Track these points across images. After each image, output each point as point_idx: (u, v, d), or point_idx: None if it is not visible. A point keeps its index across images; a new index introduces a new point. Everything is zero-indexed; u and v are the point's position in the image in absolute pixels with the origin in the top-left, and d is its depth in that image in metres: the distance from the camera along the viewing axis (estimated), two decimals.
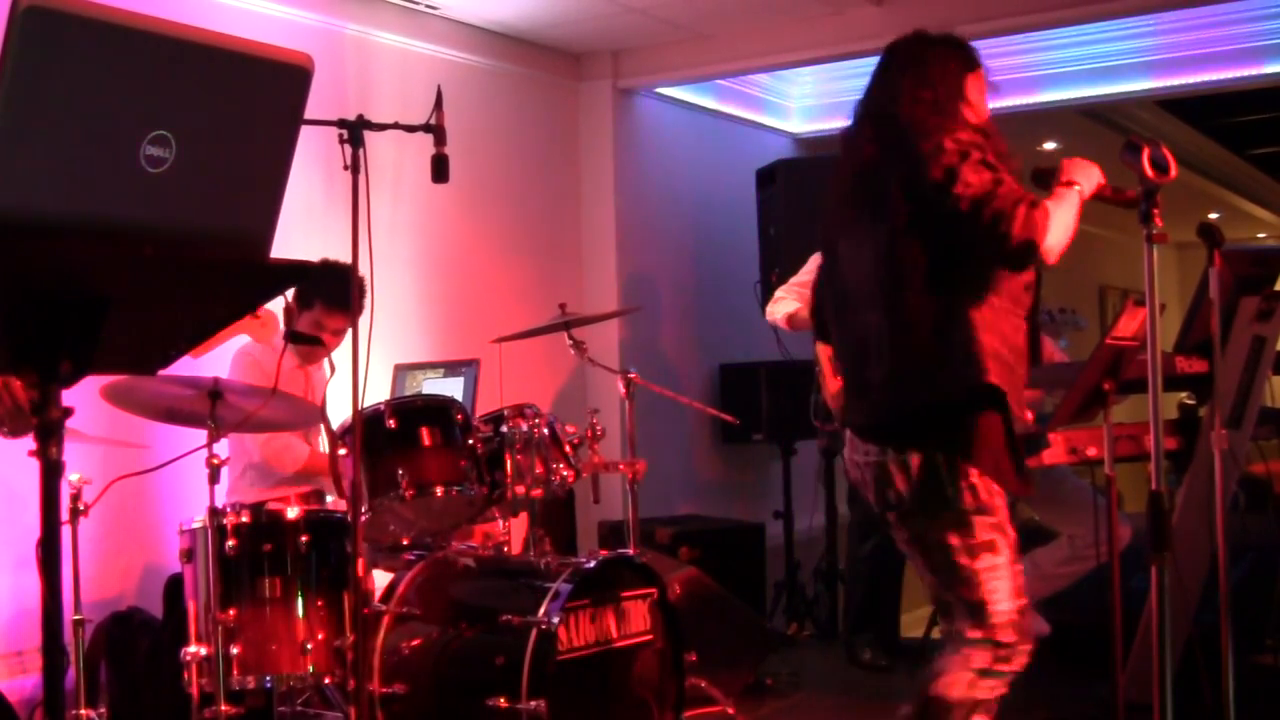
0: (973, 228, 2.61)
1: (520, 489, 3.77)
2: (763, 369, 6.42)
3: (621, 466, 4.21)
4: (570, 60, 6.30)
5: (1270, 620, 4.27)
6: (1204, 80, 6.35)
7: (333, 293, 4.02)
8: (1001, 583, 2.71)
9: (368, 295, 4.03)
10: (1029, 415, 3.03)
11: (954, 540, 2.72)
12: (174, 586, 3.95)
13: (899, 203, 2.71)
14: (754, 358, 6.52)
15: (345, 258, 3.14)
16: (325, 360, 4.23)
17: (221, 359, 4.03)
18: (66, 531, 3.32)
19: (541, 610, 3.37)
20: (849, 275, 2.88)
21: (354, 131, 3.12)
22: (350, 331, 3.13)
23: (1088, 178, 2.76)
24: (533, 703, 3.27)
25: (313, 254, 4.03)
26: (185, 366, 2.26)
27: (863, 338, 2.82)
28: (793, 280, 5.40)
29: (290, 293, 3.90)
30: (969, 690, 2.73)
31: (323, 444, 4.13)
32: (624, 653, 3.58)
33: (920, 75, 2.84)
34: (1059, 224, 2.63)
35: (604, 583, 3.55)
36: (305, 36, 4.85)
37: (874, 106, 2.92)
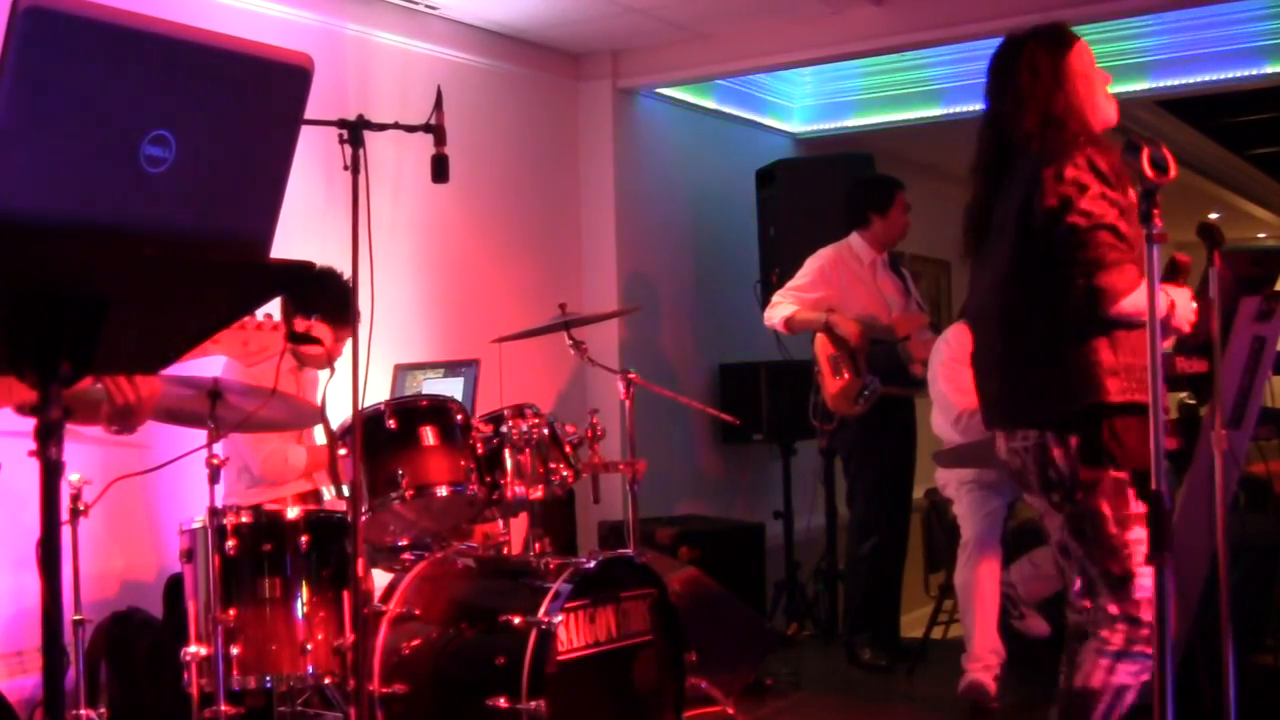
0: (1072, 255, 2.71)
1: (520, 489, 3.77)
2: (763, 369, 6.42)
3: (621, 466, 4.21)
4: (570, 60, 6.30)
5: (1270, 620, 4.27)
6: (1204, 80, 6.36)
7: (335, 308, 3.99)
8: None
9: (364, 303, 4.01)
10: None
11: (1106, 509, 2.76)
12: (174, 586, 3.95)
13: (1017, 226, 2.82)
14: (754, 358, 6.52)
15: (345, 257, 3.14)
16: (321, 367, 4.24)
17: (215, 364, 4.03)
18: (66, 531, 3.32)
19: (541, 610, 3.37)
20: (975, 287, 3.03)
21: (354, 131, 3.12)
22: (346, 342, 3.12)
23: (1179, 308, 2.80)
24: (533, 703, 3.27)
25: (313, 254, 4.03)
26: (185, 366, 2.26)
27: (989, 347, 2.96)
28: (790, 284, 5.41)
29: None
30: (1108, 676, 2.73)
31: (318, 435, 4.12)
32: (624, 653, 3.58)
33: (1023, 86, 2.89)
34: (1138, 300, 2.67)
35: (604, 583, 3.55)
36: (305, 36, 4.85)
37: (994, 118, 2.97)
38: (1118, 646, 2.75)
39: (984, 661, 4.47)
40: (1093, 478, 2.76)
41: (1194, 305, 2.84)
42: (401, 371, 5.00)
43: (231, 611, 3.29)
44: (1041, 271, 2.78)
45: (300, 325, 4.04)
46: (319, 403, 3.82)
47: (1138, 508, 2.74)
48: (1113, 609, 2.76)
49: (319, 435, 4.07)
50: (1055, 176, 2.72)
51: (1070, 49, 2.89)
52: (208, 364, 3.96)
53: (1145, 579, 2.73)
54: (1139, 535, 2.73)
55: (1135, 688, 2.76)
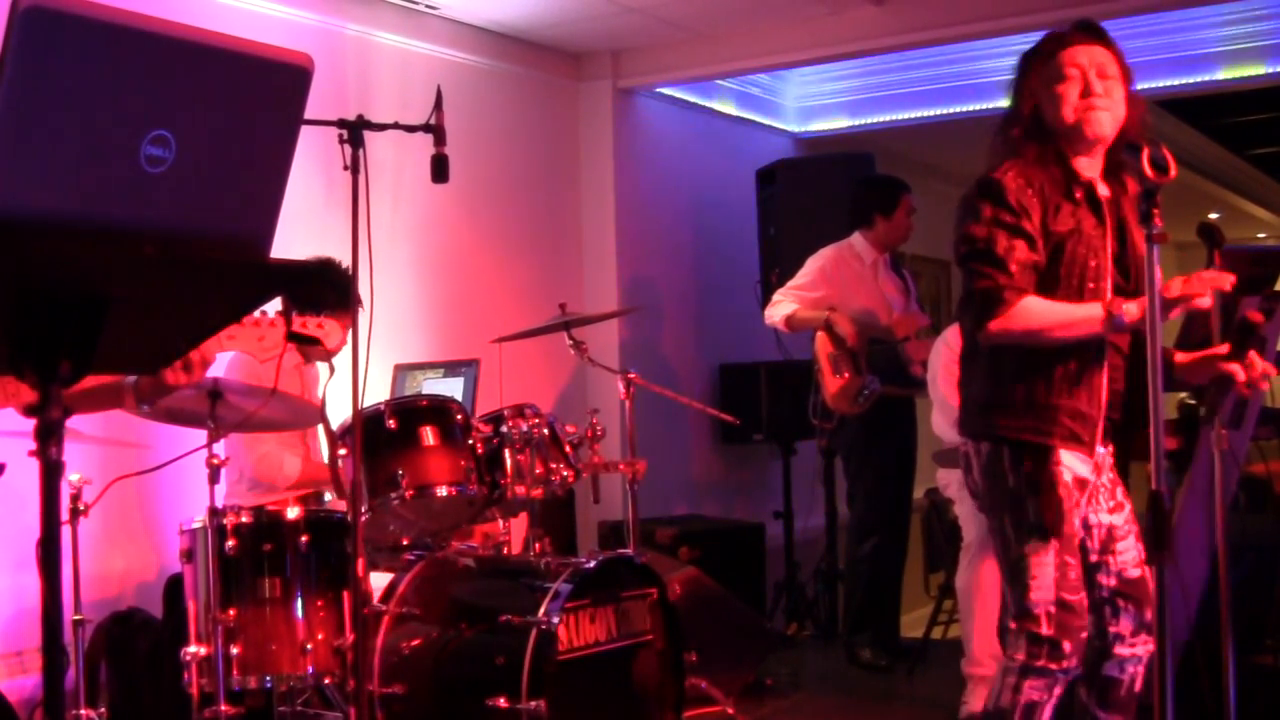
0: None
1: (520, 489, 3.77)
2: (763, 369, 6.42)
3: (621, 466, 4.21)
4: (570, 60, 6.30)
5: (1270, 620, 4.26)
6: (1204, 80, 6.35)
7: (338, 299, 4.01)
8: (1045, 571, 2.73)
9: (364, 303, 4.02)
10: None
11: (1006, 521, 2.78)
12: (174, 586, 3.95)
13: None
14: (754, 358, 6.52)
15: (345, 258, 3.14)
16: (325, 361, 4.23)
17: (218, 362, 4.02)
18: (66, 531, 3.32)
19: (541, 610, 3.37)
20: None
21: (354, 131, 3.12)
22: (350, 331, 3.13)
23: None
24: (533, 703, 3.27)
25: (313, 255, 4.04)
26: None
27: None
28: (790, 283, 5.41)
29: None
30: (1015, 695, 2.72)
31: (323, 445, 4.12)
32: (624, 653, 3.58)
33: (1009, 113, 2.87)
34: (1031, 321, 2.67)
35: (604, 583, 3.55)
36: (305, 36, 4.85)
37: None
38: (1020, 662, 2.73)
39: (983, 667, 4.46)
40: (995, 490, 2.79)
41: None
42: (401, 371, 5.00)
43: (231, 611, 3.29)
44: None
45: (308, 325, 4.04)
46: (321, 397, 3.83)
47: (1034, 518, 2.72)
48: (1012, 624, 2.75)
49: (324, 444, 4.07)
50: (964, 203, 2.76)
51: (1055, 54, 2.80)
52: (219, 359, 3.97)
53: (1042, 591, 2.71)
54: (1035, 548, 2.72)
55: (1050, 703, 2.74)
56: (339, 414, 3.78)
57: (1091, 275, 2.74)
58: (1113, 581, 2.83)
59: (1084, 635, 2.76)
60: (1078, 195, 2.75)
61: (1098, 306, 2.65)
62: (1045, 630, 2.71)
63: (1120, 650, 2.81)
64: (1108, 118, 2.73)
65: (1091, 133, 2.72)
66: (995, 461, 2.78)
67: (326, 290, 3.94)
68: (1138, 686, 2.83)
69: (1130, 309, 2.61)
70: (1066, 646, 2.71)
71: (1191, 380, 2.94)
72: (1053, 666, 2.71)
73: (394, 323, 5.09)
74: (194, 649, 3.28)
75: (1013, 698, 2.73)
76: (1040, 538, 2.72)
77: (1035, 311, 2.66)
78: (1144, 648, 2.82)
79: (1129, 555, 2.85)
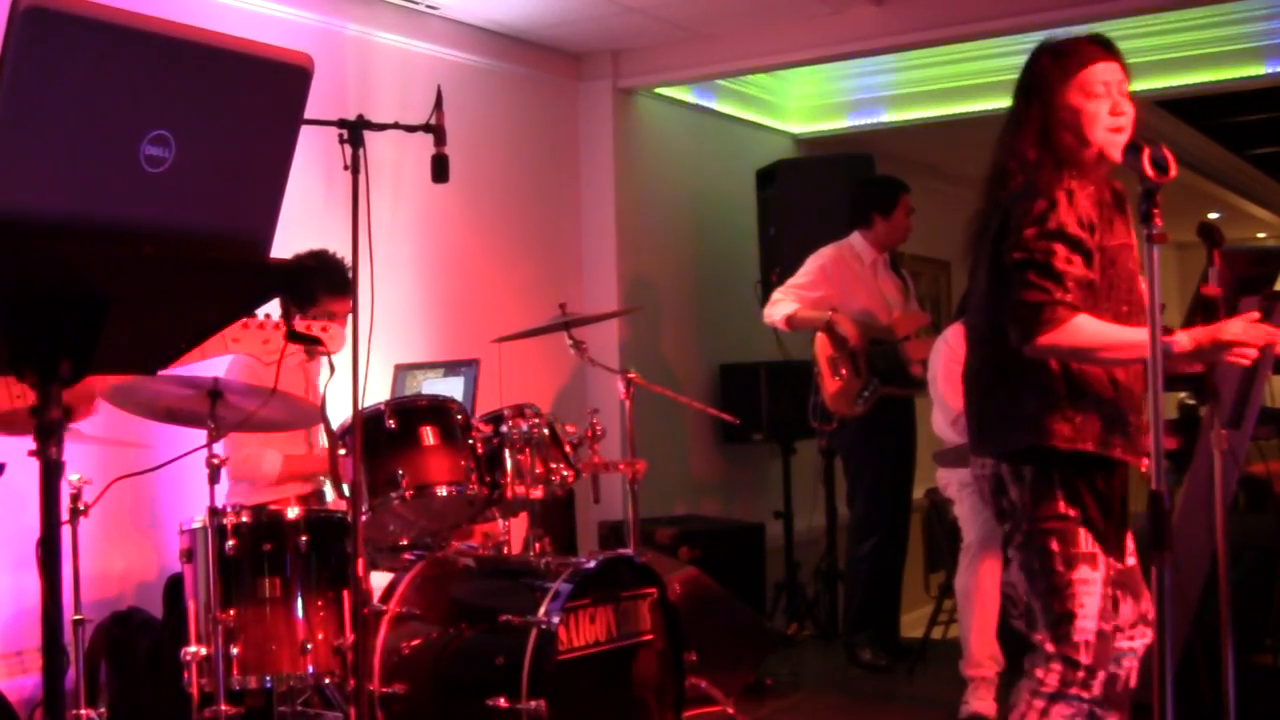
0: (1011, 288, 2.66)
1: (520, 489, 3.77)
2: (763, 369, 6.42)
3: (621, 466, 4.21)
4: (570, 60, 6.30)
5: (1270, 620, 4.27)
6: (1204, 80, 6.36)
7: (331, 282, 4.03)
8: (1093, 600, 2.68)
9: (364, 303, 4.04)
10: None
11: (1054, 545, 2.69)
12: (174, 586, 3.95)
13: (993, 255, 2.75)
14: (754, 358, 6.52)
15: (345, 258, 3.14)
16: (325, 357, 4.23)
17: (219, 360, 4.03)
18: (66, 531, 3.32)
19: (541, 610, 3.37)
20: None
21: (354, 131, 3.12)
22: (350, 330, 3.13)
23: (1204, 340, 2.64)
24: (533, 703, 3.27)
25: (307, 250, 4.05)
26: (207, 365, 2.26)
27: (969, 366, 2.93)
28: (790, 282, 5.41)
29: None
30: (1041, 719, 2.68)
31: (323, 440, 4.12)
32: (624, 653, 3.58)
33: (1021, 116, 2.80)
34: (1084, 339, 2.62)
35: (604, 583, 3.55)
36: (305, 36, 4.85)
37: (1002, 131, 2.87)
38: (1053, 688, 2.69)
39: (982, 669, 4.46)
40: (1044, 513, 2.70)
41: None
42: (401, 371, 5.00)
43: (231, 611, 3.29)
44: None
45: (312, 329, 4.05)
46: (323, 394, 3.83)
47: (1088, 547, 2.68)
48: (1049, 647, 2.70)
49: (324, 438, 4.07)
50: (1023, 211, 2.66)
51: (1083, 67, 2.75)
52: (221, 360, 3.98)
53: (1087, 620, 2.66)
54: (1085, 575, 2.67)
55: None
56: (339, 414, 3.78)
57: (1135, 286, 2.75)
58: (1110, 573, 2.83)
59: (1112, 667, 2.74)
60: (1128, 209, 2.75)
61: (1139, 333, 2.58)
62: (1085, 659, 2.67)
63: (1120, 644, 2.80)
64: (1124, 140, 2.69)
65: (1113, 155, 2.69)
66: (1046, 483, 2.69)
67: (318, 279, 3.97)
68: (1133, 682, 2.82)
69: (1181, 339, 2.60)
70: (1100, 676, 2.69)
71: (1187, 370, 2.93)
72: (1084, 695, 2.68)
73: (394, 323, 5.09)
74: (194, 649, 3.28)
75: None
76: (1091, 565, 2.67)
77: (1088, 331, 2.61)
78: (1141, 640, 2.82)
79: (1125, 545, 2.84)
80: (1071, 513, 2.68)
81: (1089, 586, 2.67)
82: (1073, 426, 2.67)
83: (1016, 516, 2.75)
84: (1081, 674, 2.67)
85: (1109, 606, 2.69)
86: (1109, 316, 2.67)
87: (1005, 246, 2.69)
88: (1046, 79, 2.79)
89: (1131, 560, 2.84)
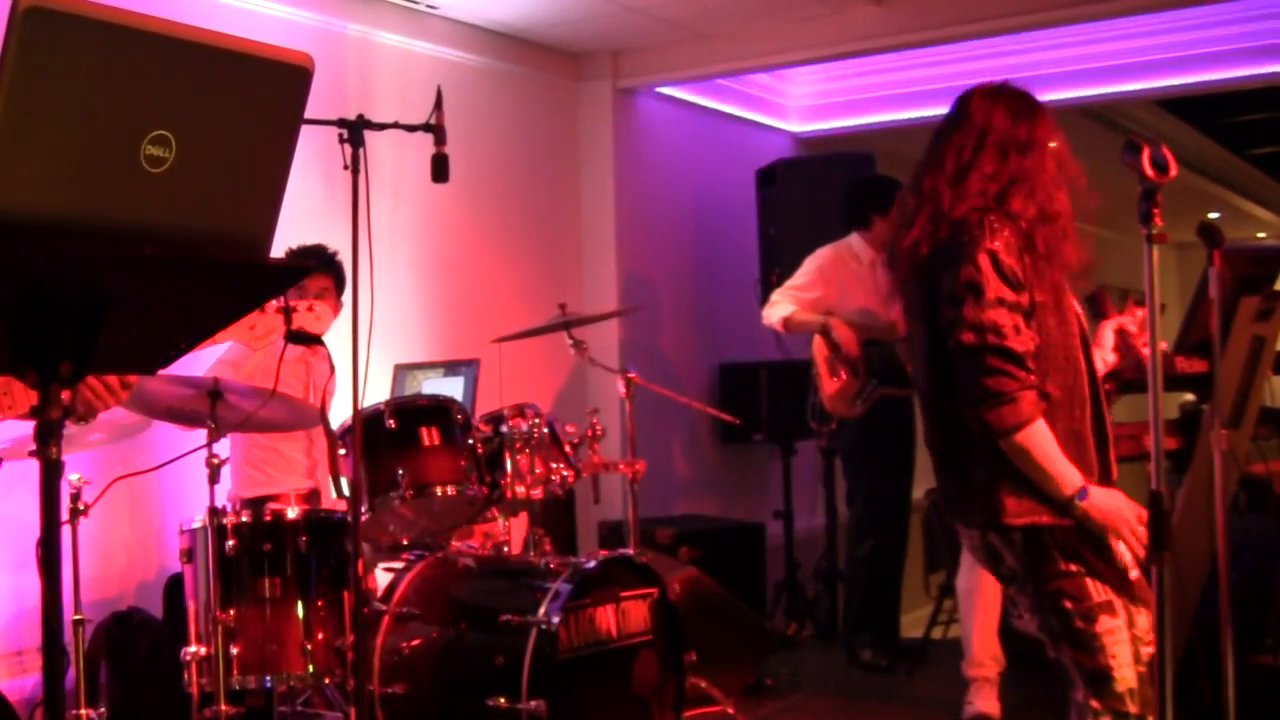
0: (967, 372, 2.53)
1: (520, 489, 3.77)
2: (763, 369, 6.42)
3: (621, 466, 4.21)
4: (570, 60, 6.30)
5: (1270, 620, 4.27)
6: (1204, 80, 6.36)
7: (333, 275, 4.09)
8: (1123, 648, 2.58)
9: (364, 303, 4.06)
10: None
11: (1067, 604, 2.59)
12: (174, 586, 3.95)
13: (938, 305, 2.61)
14: (754, 358, 6.52)
15: (345, 258, 3.14)
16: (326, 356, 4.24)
17: (214, 350, 4.02)
18: (66, 531, 3.32)
19: (541, 610, 3.37)
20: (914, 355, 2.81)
21: (354, 131, 3.12)
22: (350, 330, 3.12)
23: (1102, 507, 2.55)
24: (533, 703, 3.27)
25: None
26: (185, 366, 2.26)
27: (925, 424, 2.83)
28: (788, 284, 5.41)
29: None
30: None
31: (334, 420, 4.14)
32: (624, 653, 3.58)
33: (973, 156, 2.64)
34: (1039, 453, 2.51)
35: (604, 583, 3.55)
36: (305, 36, 4.85)
37: (923, 182, 2.70)
38: None
39: (984, 669, 4.45)
40: (1046, 573, 2.60)
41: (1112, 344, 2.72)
42: (401, 371, 5.00)
43: (231, 611, 3.29)
44: (952, 373, 2.60)
45: (299, 309, 4.04)
46: (324, 391, 3.83)
47: (1101, 596, 2.57)
48: (1095, 704, 2.59)
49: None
50: (953, 279, 2.54)
51: (1039, 116, 2.66)
52: (214, 349, 3.97)
53: (1124, 670, 2.56)
54: (1108, 625, 2.57)
55: None
56: (339, 414, 3.78)
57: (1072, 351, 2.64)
58: None
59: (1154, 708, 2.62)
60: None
61: (1078, 476, 2.53)
62: (1133, 709, 2.58)
63: (1143, 651, 2.76)
64: None
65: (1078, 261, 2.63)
66: (1038, 547, 2.59)
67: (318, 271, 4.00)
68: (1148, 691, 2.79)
69: (1097, 499, 2.53)
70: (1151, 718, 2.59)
71: (1188, 370, 2.92)
72: None
73: (394, 323, 5.09)
74: (194, 649, 3.29)
75: None
76: (1110, 613, 2.57)
77: (1041, 439, 2.52)
78: (1149, 649, 2.78)
79: (1126, 558, 2.74)
80: (1073, 568, 2.57)
81: (1115, 635, 2.57)
82: (1018, 499, 2.56)
83: (1020, 581, 2.66)
84: None
85: (1138, 649, 2.59)
86: (1055, 387, 2.56)
87: (945, 320, 2.56)
88: (1040, 127, 2.68)
89: (1135, 573, 2.80)
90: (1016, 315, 2.51)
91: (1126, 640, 2.58)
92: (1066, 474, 2.52)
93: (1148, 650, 2.71)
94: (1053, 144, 2.66)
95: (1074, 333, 2.62)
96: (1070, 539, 2.57)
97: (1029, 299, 2.54)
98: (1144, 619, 2.73)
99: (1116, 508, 2.54)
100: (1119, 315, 2.93)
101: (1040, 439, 2.50)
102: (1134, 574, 2.79)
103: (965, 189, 2.62)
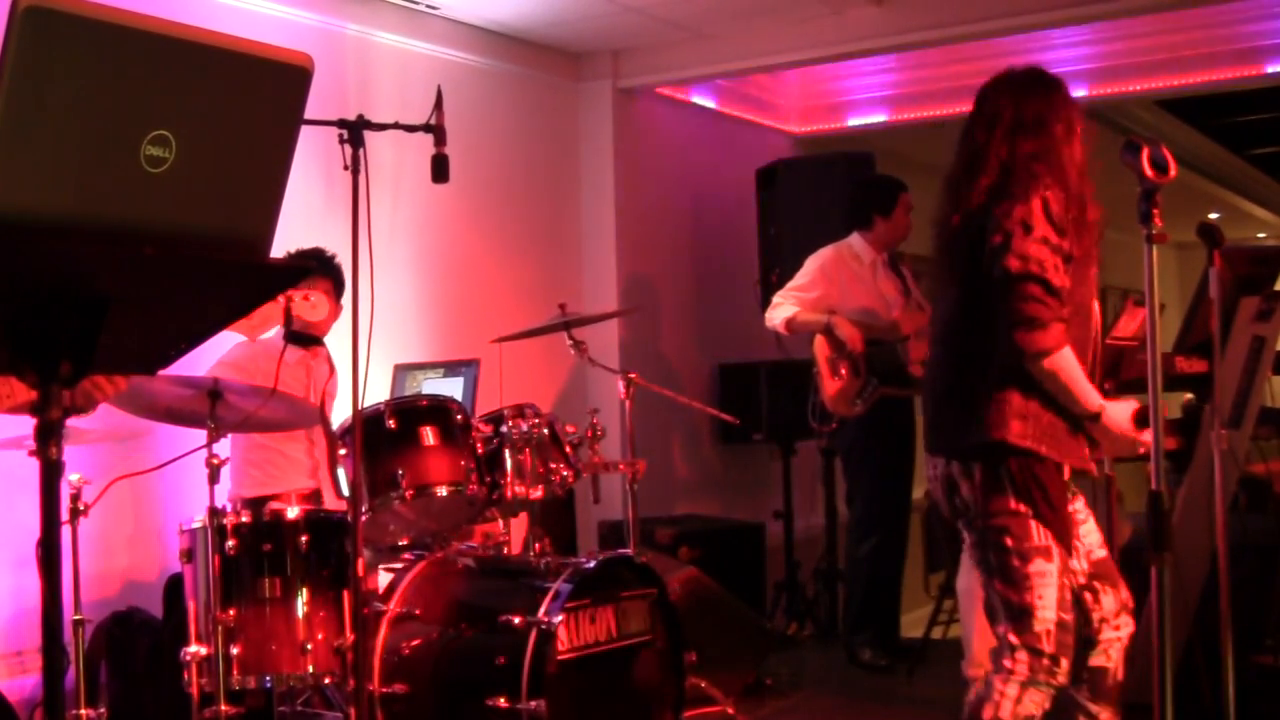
0: (1002, 299, 2.75)
1: (520, 489, 3.77)
2: (763, 369, 6.42)
3: (621, 466, 4.21)
4: (570, 60, 6.30)
5: (1270, 620, 4.26)
6: (1204, 80, 6.36)
7: (331, 275, 4.10)
8: (1050, 592, 2.78)
9: (364, 303, 4.06)
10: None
11: (1008, 541, 2.80)
12: (174, 586, 3.95)
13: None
14: (754, 358, 6.52)
15: (345, 258, 3.14)
16: (326, 357, 4.24)
17: (214, 351, 4.02)
18: (66, 531, 3.32)
19: (541, 610, 3.37)
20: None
21: (354, 131, 3.12)
22: (350, 329, 3.12)
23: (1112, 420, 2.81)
24: (533, 703, 3.27)
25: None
26: (185, 366, 2.26)
27: (930, 369, 3.07)
28: (790, 285, 5.41)
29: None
30: (1016, 707, 2.78)
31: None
32: (624, 653, 3.58)
33: (1012, 124, 2.90)
34: (1065, 376, 2.74)
35: (604, 583, 3.55)
36: (305, 36, 4.85)
37: (968, 157, 2.98)
38: (1023, 676, 2.79)
39: (984, 669, 4.45)
40: (996, 509, 2.80)
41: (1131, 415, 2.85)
42: (401, 371, 5.00)
43: (231, 611, 3.29)
44: (987, 307, 2.82)
45: (295, 299, 4.04)
46: (324, 390, 3.84)
47: (1041, 540, 2.78)
48: (1013, 638, 2.81)
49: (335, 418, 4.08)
50: (1005, 213, 2.77)
51: (1060, 92, 2.93)
52: (215, 348, 3.97)
53: (1046, 611, 2.77)
54: (1041, 568, 2.77)
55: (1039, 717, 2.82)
56: (339, 414, 3.78)
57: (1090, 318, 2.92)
58: (1086, 566, 2.90)
59: (1100, 659, 2.86)
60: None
61: (1097, 397, 2.79)
62: (1048, 648, 2.78)
63: (1106, 635, 2.88)
64: None
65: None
66: (994, 480, 2.80)
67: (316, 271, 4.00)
68: (1120, 675, 2.90)
69: (1115, 414, 2.78)
70: (1064, 663, 2.80)
71: (1188, 369, 3.06)
72: (1052, 681, 2.80)
73: (394, 323, 5.09)
74: (194, 649, 3.28)
75: (1014, 709, 2.78)
76: (1046, 557, 2.78)
77: (1069, 364, 2.75)
78: (1126, 630, 2.91)
79: (1092, 538, 2.93)
80: (1022, 508, 2.78)
81: (1046, 578, 2.78)
82: (1025, 425, 2.77)
83: (969, 514, 2.87)
84: (1046, 661, 2.78)
85: (1064, 596, 2.80)
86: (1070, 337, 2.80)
87: (989, 250, 2.78)
88: (1061, 104, 2.94)
89: (1102, 552, 2.89)
90: (1057, 257, 2.74)
91: (1055, 586, 2.79)
92: (1090, 394, 2.78)
93: (1111, 634, 2.80)
94: (1059, 125, 2.88)
95: (1091, 293, 2.89)
96: (1028, 480, 2.77)
97: (1069, 247, 2.77)
98: (1110, 600, 2.82)
99: (1127, 418, 2.80)
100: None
101: (1068, 363, 2.75)
102: (1101, 554, 2.87)
103: (981, 175, 2.90)
